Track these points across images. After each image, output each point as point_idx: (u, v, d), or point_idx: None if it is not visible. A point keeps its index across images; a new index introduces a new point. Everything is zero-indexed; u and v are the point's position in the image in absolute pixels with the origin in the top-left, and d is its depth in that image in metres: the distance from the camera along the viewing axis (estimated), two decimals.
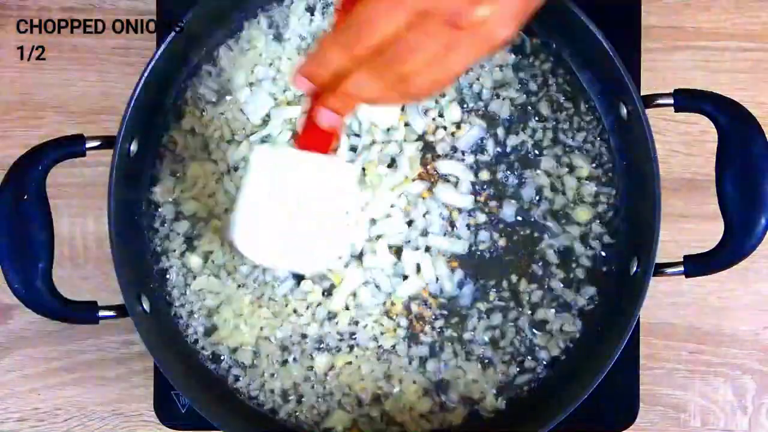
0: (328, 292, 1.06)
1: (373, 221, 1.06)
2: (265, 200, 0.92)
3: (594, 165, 1.06)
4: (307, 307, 1.06)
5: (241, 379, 1.06)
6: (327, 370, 1.06)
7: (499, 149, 1.07)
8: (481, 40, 0.79)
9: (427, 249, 1.06)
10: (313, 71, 0.84)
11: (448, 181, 1.06)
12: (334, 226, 0.94)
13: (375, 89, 0.82)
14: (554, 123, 1.07)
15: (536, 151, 1.07)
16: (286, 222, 0.93)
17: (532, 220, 1.06)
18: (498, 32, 0.79)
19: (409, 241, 1.06)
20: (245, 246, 0.93)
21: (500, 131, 1.07)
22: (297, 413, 1.06)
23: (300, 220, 0.93)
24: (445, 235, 1.06)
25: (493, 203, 1.06)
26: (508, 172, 1.07)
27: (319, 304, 1.06)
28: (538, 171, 1.07)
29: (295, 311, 1.06)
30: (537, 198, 1.06)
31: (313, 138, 0.90)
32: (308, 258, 0.95)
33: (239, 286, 1.06)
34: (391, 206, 1.06)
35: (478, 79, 1.07)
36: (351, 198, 0.96)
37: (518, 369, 1.06)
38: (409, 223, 1.06)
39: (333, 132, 0.90)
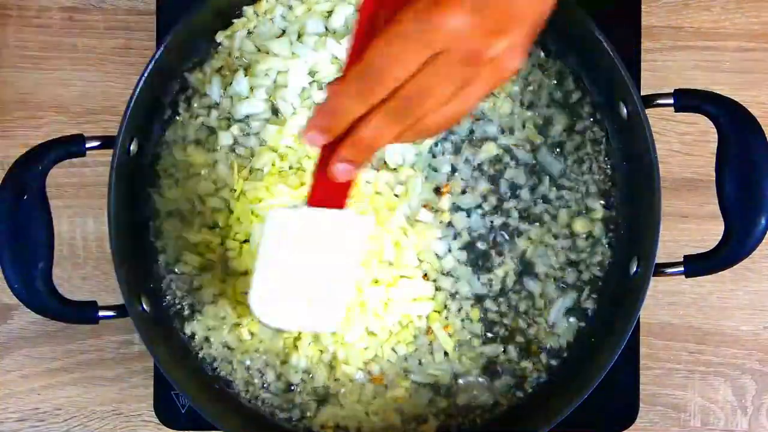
0: None
1: None
2: (281, 264, 0.91)
3: (594, 164, 1.07)
4: None
5: (240, 379, 1.06)
6: (327, 373, 1.06)
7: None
8: (495, 73, 0.78)
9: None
10: (327, 124, 0.80)
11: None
12: (342, 283, 0.92)
13: (391, 133, 0.80)
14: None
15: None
16: (300, 284, 0.91)
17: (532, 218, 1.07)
18: (512, 63, 0.78)
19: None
20: (262, 312, 0.93)
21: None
22: (296, 413, 1.06)
23: (313, 280, 0.91)
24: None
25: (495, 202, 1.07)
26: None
27: None
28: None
29: None
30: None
31: (327, 193, 0.86)
32: (320, 318, 0.94)
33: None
34: None
35: None
36: (361, 252, 0.94)
37: (518, 369, 1.06)
38: None
39: (348, 185, 0.86)
